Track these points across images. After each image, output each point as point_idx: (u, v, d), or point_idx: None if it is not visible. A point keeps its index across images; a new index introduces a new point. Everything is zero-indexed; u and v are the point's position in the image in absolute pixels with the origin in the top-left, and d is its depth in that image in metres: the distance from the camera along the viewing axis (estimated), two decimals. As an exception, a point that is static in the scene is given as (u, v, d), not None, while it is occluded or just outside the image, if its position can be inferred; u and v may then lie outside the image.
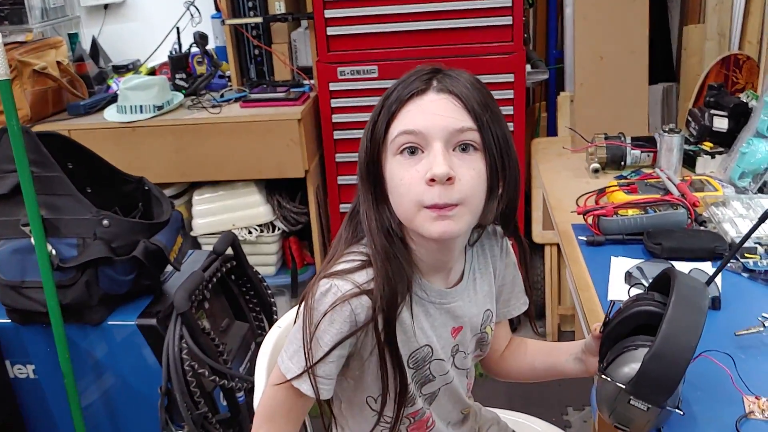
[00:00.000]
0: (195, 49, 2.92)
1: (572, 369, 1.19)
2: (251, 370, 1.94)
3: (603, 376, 0.96)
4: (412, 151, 0.94)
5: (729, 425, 0.95)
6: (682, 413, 0.91)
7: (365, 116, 2.76)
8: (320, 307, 0.96)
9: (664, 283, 0.99)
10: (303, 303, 0.99)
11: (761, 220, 0.96)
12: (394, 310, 0.97)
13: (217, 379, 1.71)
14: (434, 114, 0.93)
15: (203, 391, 1.71)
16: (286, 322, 1.32)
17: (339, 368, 1.01)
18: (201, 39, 2.87)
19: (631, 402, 0.90)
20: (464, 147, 0.94)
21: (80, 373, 1.83)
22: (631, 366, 0.93)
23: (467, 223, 0.96)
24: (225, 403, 1.80)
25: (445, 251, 1.03)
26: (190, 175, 2.69)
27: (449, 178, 0.91)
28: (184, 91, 2.82)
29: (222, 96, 2.78)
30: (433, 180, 0.91)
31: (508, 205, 1.04)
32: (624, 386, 0.91)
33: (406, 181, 0.93)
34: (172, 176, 2.69)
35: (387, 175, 0.97)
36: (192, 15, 2.98)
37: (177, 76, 2.87)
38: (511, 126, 2.55)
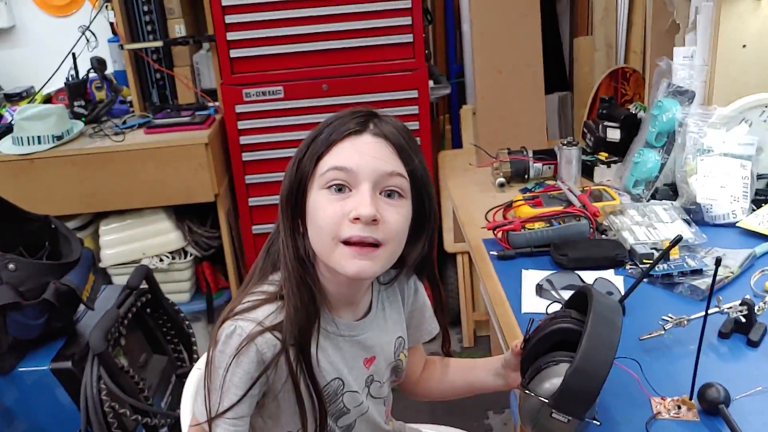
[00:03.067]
0: (93, 75, 2.84)
1: (492, 384, 1.23)
2: (173, 404, 1.91)
3: (526, 392, 1.01)
4: (340, 188, 0.95)
5: (639, 427, 1.02)
6: (599, 423, 0.97)
7: (273, 137, 2.78)
8: (227, 350, 0.97)
9: (579, 301, 1.06)
10: (211, 348, 1.00)
11: (671, 246, 1.03)
12: (308, 337, 0.98)
13: (140, 417, 1.68)
14: (367, 155, 0.95)
15: (125, 430, 1.67)
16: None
17: (252, 408, 1.01)
18: (99, 64, 2.79)
19: (553, 415, 0.95)
20: (390, 193, 0.97)
21: (-9, 423, 1.75)
22: (552, 381, 0.98)
23: (384, 265, 0.99)
24: (148, 440, 1.77)
25: (354, 287, 1.05)
26: (96, 205, 2.61)
27: (374, 220, 0.93)
28: (84, 119, 2.74)
29: (125, 122, 2.72)
30: (357, 219, 0.93)
31: (428, 252, 1.08)
32: (547, 400, 0.96)
33: (329, 214, 0.94)
34: (76, 207, 2.61)
35: (310, 207, 0.98)
36: (88, 39, 2.89)
37: (75, 103, 2.78)
38: (417, 140, 2.61)
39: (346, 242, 0.94)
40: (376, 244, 0.95)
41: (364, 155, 0.95)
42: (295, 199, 0.99)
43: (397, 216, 0.97)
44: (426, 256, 1.08)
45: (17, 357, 1.71)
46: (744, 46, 1.70)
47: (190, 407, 1.24)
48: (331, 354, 1.05)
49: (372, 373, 1.13)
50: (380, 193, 0.96)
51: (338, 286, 1.03)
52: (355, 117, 0.98)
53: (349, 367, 1.08)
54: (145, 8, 2.76)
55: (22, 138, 2.52)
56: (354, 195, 0.95)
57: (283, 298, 0.99)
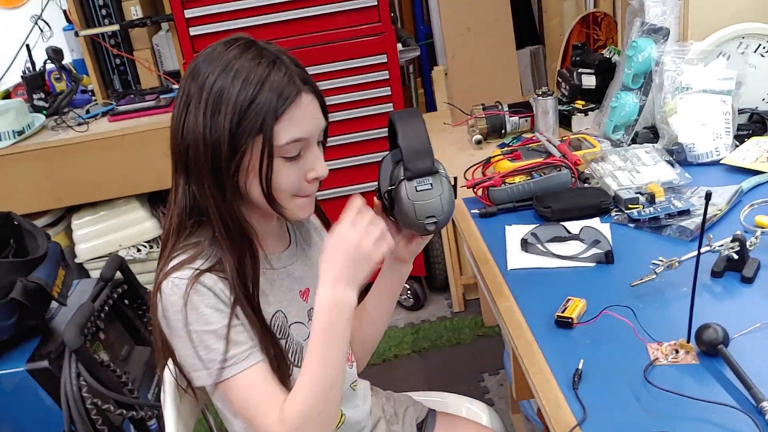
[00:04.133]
0: (50, 66, 2.74)
1: (391, 277, 1.23)
2: (160, 396, 1.86)
3: (389, 188, 1.08)
4: (298, 153, 0.99)
5: (637, 374, 0.98)
6: (454, 177, 1.11)
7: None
8: (176, 306, 0.96)
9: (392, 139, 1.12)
10: (158, 314, 0.99)
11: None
12: (255, 283, 1.02)
13: (125, 411, 1.63)
14: (313, 117, 1.00)
15: (112, 427, 1.62)
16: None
17: (248, 331, 1.00)
18: (55, 54, 2.69)
19: (418, 188, 1.05)
20: (319, 142, 1.04)
21: (-28, 431, 1.70)
22: (401, 170, 1.07)
23: None
24: (137, 434, 1.72)
25: (281, 220, 1.13)
26: (65, 199, 2.54)
27: None
28: (45, 112, 2.65)
29: (88, 112, 2.64)
30: (316, 179, 1.02)
31: None
32: (403, 177, 1.06)
33: (290, 179, 1.00)
34: (45, 203, 2.53)
35: (252, 167, 0.97)
36: (41, 29, 2.80)
37: (35, 96, 2.69)
38: (390, 106, 2.55)
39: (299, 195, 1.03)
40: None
41: (311, 119, 1.00)
42: (227, 160, 0.96)
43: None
44: None
45: (-9, 360, 1.66)
46: (716, -23, 1.65)
47: (171, 395, 1.19)
48: (268, 291, 1.07)
49: (311, 306, 1.10)
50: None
51: (268, 225, 1.10)
52: (284, 74, 0.96)
53: (287, 300, 1.10)
54: (98, -9, 2.66)
55: (-19, 136, 2.43)
56: (305, 155, 1.00)
57: (207, 247, 1.00)
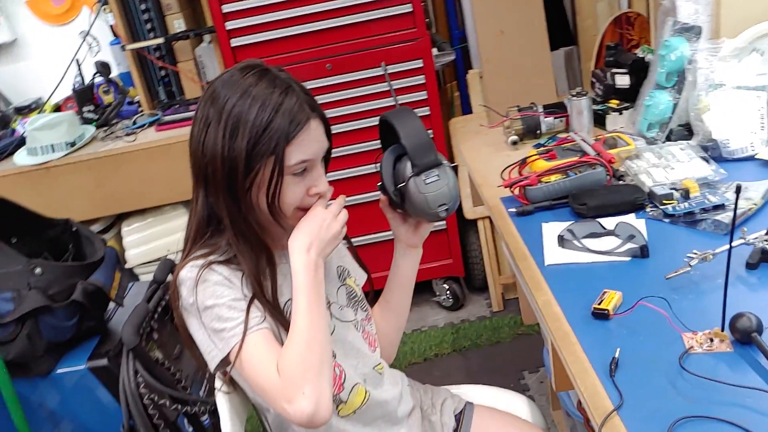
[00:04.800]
0: (99, 79, 2.86)
1: (405, 264, 1.34)
2: (212, 392, 1.93)
3: (399, 186, 1.17)
4: (302, 172, 1.11)
5: (673, 362, 1.02)
6: (456, 164, 1.23)
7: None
8: (191, 287, 1.07)
9: (387, 138, 1.21)
10: (178, 301, 1.11)
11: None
12: (273, 275, 1.13)
13: (180, 407, 1.70)
14: (318, 141, 1.12)
15: (167, 421, 1.68)
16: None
17: (261, 312, 1.09)
18: (103, 68, 2.81)
19: (427, 181, 1.15)
20: (322, 160, 1.16)
21: (37, 427, 1.79)
22: (406, 166, 1.16)
23: None
24: (191, 429, 1.79)
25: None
26: (115, 207, 2.64)
27: None
28: (94, 123, 2.77)
29: (135, 122, 2.74)
30: (318, 194, 1.13)
31: None
32: (411, 174, 1.15)
33: (296, 195, 1.12)
34: (96, 211, 2.64)
35: (263, 182, 1.08)
36: (90, 45, 2.92)
37: (84, 109, 2.81)
38: (427, 110, 2.61)
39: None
40: None
41: (316, 142, 1.11)
42: (242, 178, 1.07)
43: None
44: None
45: (54, 359, 1.75)
46: (748, -26, 1.67)
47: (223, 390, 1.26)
48: (281, 282, 1.16)
49: (326, 295, 1.20)
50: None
51: (278, 227, 1.16)
52: (296, 102, 1.07)
53: None
54: (143, 7, 2.76)
55: (36, 148, 2.55)
56: (310, 173, 1.12)
57: (223, 247, 1.12)
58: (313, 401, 0.99)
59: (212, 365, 1.10)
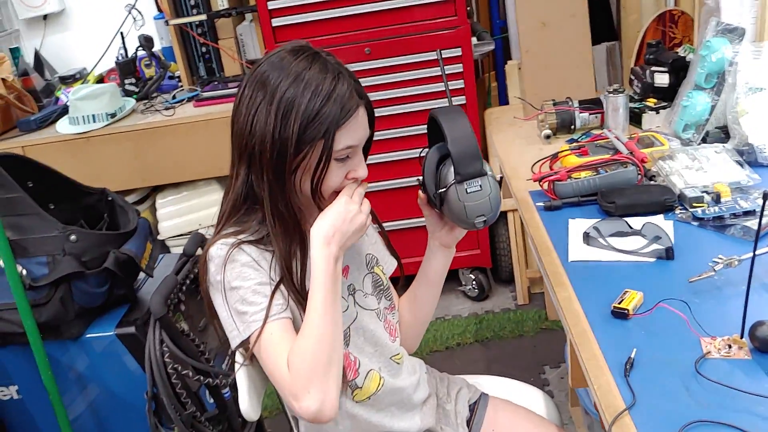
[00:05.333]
0: (141, 53, 2.91)
1: (437, 262, 1.34)
2: (233, 365, 1.97)
3: (440, 192, 1.16)
4: (347, 156, 1.13)
5: (689, 366, 1.01)
6: (500, 176, 1.16)
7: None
8: (219, 264, 1.09)
9: (434, 135, 1.20)
10: (208, 283, 1.13)
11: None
12: (304, 259, 1.13)
13: (202, 378, 1.74)
14: (363, 128, 1.14)
15: (189, 391, 1.73)
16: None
17: (284, 299, 1.11)
18: (146, 42, 2.85)
19: (468, 189, 1.14)
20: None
21: (64, 388, 1.85)
22: (450, 171, 1.15)
23: None
24: (212, 400, 1.83)
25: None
26: (151, 179, 2.69)
27: None
28: (135, 96, 2.81)
29: (174, 97, 2.78)
30: (356, 179, 1.14)
31: None
32: (454, 181, 1.13)
33: (338, 179, 1.13)
34: (132, 182, 2.69)
35: (310, 166, 1.10)
36: (134, 18, 2.96)
37: (126, 81, 2.86)
38: (463, 99, 2.60)
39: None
40: None
41: (362, 129, 1.14)
42: (290, 160, 1.09)
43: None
44: None
45: (84, 324, 1.80)
46: (797, -23, 1.63)
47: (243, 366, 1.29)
48: (309, 266, 1.14)
49: (351, 282, 1.26)
50: None
51: (314, 209, 1.17)
52: (347, 90, 1.09)
53: None
54: (188, -17, 2.79)
55: (77, 117, 2.61)
56: (352, 158, 1.14)
57: (254, 226, 1.13)
58: (318, 401, 1.01)
59: (233, 344, 1.13)
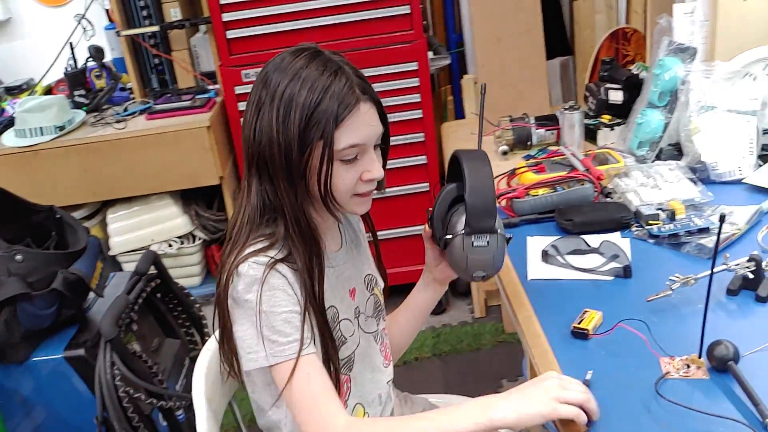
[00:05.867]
0: (92, 64, 2.84)
1: (426, 295, 1.35)
2: (188, 387, 1.92)
3: (446, 238, 1.13)
4: (354, 157, 1.07)
5: (649, 386, 1.01)
6: (510, 236, 1.14)
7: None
8: (252, 288, 1.01)
9: (455, 172, 1.17)
10: (227, 302, 1.05)
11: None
12: (321, 274, 1.08)
13: (155, 401, 1.69)
14: (369, 125, 1.08)
15: (141, 415, 1.68)
16: (216, 344, 1.32)
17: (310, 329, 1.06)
18: (97, 52, 2.79)
19: (475, 243, 1.10)
20: (376, 145, 1.12)
21: (9, 413, 1.78)
22: (461, 220, 1.12)
23: None
24: (165, 423, 1.79)
25: (334, 221, 1.19)
26: (101, 193, 2.63)
27: None
28: (85, 108, 2.74)
29: (126, 109, 2.72)
30: (371, 180, 1.09)
31: None
32: (464, 231, 1.10)
33: (348, 181, 1.08)
34: (82, 197, 2.62)
35: (313, 168, 1.05)
36: (84, 28, 2.89)
37: (76, 92, 2.79)
38: (420, 113, 2.60)
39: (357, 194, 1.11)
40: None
41: (367, 126, 1.07)
42: (297, 163, 1.04)
43: (381, 163, 1.13)
44: None
45: (31, 347, 1.73)
46: (745, -1, 1.67)
47: (202, 386, 1.25)
48: (325, 287, 1.11)
49: (357, 305, 1.22)
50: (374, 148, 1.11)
51: (325, 221, 1.16)
52: (344, 85, 1.04)
53: (339, 297, 1.17)
54: (140, -7, 2.74)
55: (24, 130, 2.53)
56: (362, 159, 1.08)
57: (279, 240, 1.07)
58: None
59: (248, 365, 1.06)
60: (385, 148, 1.15)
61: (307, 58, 1.05)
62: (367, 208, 1.15)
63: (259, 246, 1.05)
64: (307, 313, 1.05)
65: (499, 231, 1.11)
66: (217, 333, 1.15)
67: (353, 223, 1.30)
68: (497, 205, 1.12)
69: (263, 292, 1.01)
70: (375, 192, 1.14)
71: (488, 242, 1.10)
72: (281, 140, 1.03)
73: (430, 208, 1.20)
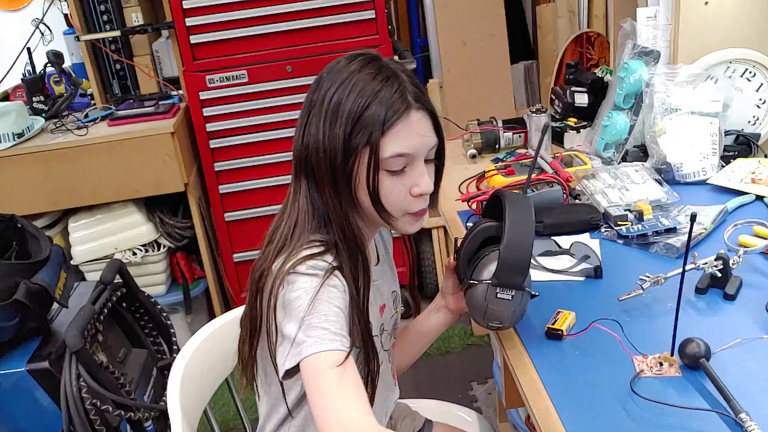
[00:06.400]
0: (50, 69, 2.77)
1: (436, 320, 1.33)
2: (156, 397, 1.89)
3: (470, 281, 1.10)
4: (402, 168, 1.03)
5: (624, 385, 1.03)
6: (537, 294, 1.10)
7: (240, 122, 2.75)
8: (311, 284, 0.96)
9: (493, 210, 1.16)
10: (276, 304, 0.98)
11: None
12: (366, 287, 1.04)
13: (123, 412, 1.66)
14: (420, 135, 1.03)
15: (109, 427, 1.65)
16: (190, 351, 1.30)
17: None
18: (56, 58, 2.72)
19: (498, 295, 1.06)
20: (428, 160, 1.06)
21: (-30, 429, 1.72)
22: (489, 268, 1.09)
23: None
24: (133, 435, 1.75)
25: (375, 230, 1.17)
26: (63, 202, 2.56)
27: None
28: (44, 115, 2.68)
29: (87, 116, 2.66)
30: (420, 194, 1.04)
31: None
32: (490, 281, 1.06)
33: (395, 194, 1.04)
34: (42, 206, 2.56)
35: (361, 180, 1.02)
36: (42, 33, 2.82)
37: (34, 99, 2.72)
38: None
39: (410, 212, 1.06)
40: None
41: (417, 136, 1.02)
42: (344, 173, 1.02)
43: (433, 179, 1.07)
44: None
45: (-8, 360, 1.68)
46: (706, 2, 1.70)
47: (177, 399, 1.23)
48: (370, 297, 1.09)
49: (383, 321, 1.20)
50: (425, 162, 1.06)
51: (371, 234, 1.14)
52: (395, 90, 1.00)
53: (371, 312, 1.10)
54: (100, -3, 2.69)
55: (-19, 138, 2.45)
56: (410, 171, 1.04)
57: (333, 247, 1.03)
58: None
59: (292, 360, 0.94)
60: (439, 165, 1.10)
61: (361, 63, 1.02)
62: (418, 228, 1.10)
63: (315, 251, 1.01)
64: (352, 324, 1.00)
65: (526, 289, 1.08)
66: (190, 341, 1.12)
67: (384, 236, 1.28)
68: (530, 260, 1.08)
69: (323, 289, 0.96)
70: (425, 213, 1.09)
71: (512, 296, 1.07)
72: (327, 145, 1.01)
73: (459, 238, 1.17)
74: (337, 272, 0.99)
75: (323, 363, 0.90)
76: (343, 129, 1.00)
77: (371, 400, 1.05)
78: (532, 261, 1.36)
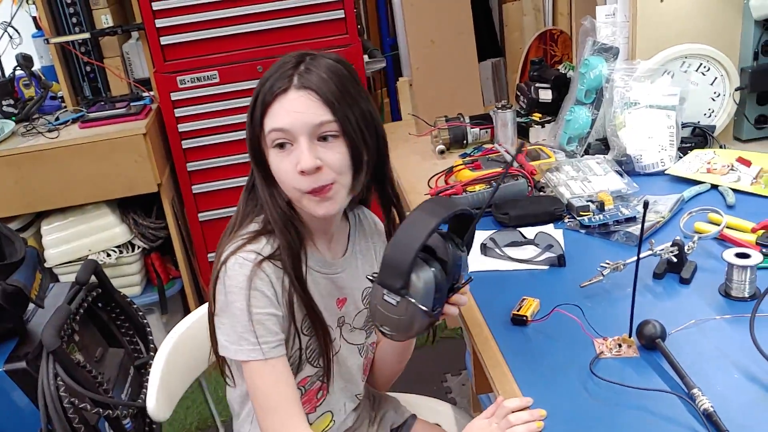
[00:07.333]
0: (20, 72, 2.76)
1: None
2: (133, 395, 1.91)
3: (369, 277, 1.08)
4: (282, 145, 1.06)
5: (584, 367, 1.08)
6: (425, 309, 1.00)
7: (212, 122, 2.75)
8: (238, 283, 1.05)
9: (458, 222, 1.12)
10: (216, 288, 1.08)
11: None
12: (300, 269, 1.10)
13: (101, 410, 1.68)
14: (296, 112, 1.04)
15: (87, 425, 1.66)
16: (167, 350, 1.33)
17: (284, 326, 1.10)
18: (25, 60, 2.71)
19: (385, 296, 1.01)
20: (324, 137, 1.06)
21: (-53, 432, 1.73)
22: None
23: (343, 198, 1.11)
24: (112, 433, 1.77)
25: (329, 220, 1.17)
26: (35, 205, 2.56)
27: (318, 168, 1.04)
28: (14, 118, 2.67)
29: (57, 119, 2.66)
30: (302, 172, 1.04)
31: (377, 167, 1.16)
32: (376, 279, 1.03)
33: (283, 171, 1.07)
34: (14, 209, 2.55)
35: (270, 162, 1.09)
36: (11, 36, 2.81)
37: (4, 102, 2.71)
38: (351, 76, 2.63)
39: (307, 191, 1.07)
40: (329, 185, 1.06)
41: (292, 113, 1.04)
42: (258, 154, 1.10)
43: (336, 155, 1.06)
44: (377, 169, 1.16)
45: (-31, 362, 1.69)
46: (662, 0, 1.77)
47: (155, 396, 1.26)
48: (311, 288, 1.13)
49: (343, 314, 1.23)
50: (318, 140, 1.06)
51: (315, 220, 1.15)
52: (284, 71, 1.05)
53: (323, 304, 1.16)
54: (69, 0, 2.69)
55: (-49, 142, 2.45)
56: (295, 149, 1.05)
57: (271, 232, 1.09)
58: None
59: (222, 351, 1.11)
60: (358, 148, 1.06)
61: (291, 54, 1.08)
62: (325, 210, 1.08)
63: (248, 237, 1.09)
64: (290, 307, 1.09)
65: (412, 300, 0.99)
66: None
67: (375, 235, 1.29)
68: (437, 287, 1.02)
69: (252, 294, 1.05)
70: (332, 191, 1.07)
71: (397, 303, 0.99)
72: (247, 128, 1.10)
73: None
74: (265, 263, 1.06)
75: (252, 372, 1.08)
76: (250, 111, 1.08)
77: (327, 385, 1.19)
78: (498, 251, 1.42)
